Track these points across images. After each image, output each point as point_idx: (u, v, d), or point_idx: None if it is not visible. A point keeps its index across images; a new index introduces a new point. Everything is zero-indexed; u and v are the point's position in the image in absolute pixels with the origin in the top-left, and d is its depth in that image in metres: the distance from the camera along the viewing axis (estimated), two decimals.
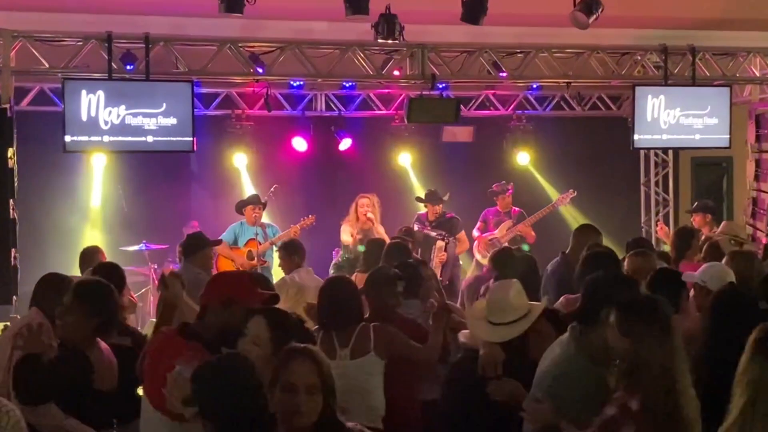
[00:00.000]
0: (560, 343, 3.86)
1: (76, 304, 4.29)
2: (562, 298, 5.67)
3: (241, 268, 9.54)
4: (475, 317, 4.46)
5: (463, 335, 4.77)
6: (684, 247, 7.52)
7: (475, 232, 10.66)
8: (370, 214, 9.72)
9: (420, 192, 11.09)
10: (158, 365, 3.84)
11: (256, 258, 9.48)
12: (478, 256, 10.50)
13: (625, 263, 5.89)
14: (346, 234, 9.83)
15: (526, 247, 10.05)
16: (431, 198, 10.10)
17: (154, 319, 8.08)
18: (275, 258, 8.91)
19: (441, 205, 10.06)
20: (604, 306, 3.63)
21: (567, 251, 6.88)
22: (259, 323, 3.75)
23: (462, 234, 9.97)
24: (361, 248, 8.96)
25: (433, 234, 9.46)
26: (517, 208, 10.70)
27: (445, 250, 8.90)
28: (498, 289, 4.48)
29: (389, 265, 5.92)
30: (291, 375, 3.02)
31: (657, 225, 11.36)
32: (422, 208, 10.27)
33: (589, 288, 3.90)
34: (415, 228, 9.73)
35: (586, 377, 3.63)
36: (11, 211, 8.14)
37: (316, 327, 5.07)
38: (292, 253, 7.68)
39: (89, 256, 7.30)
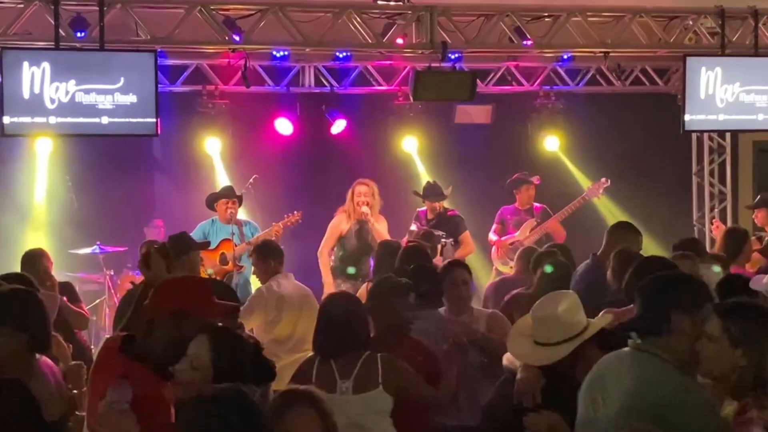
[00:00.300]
0: (623, 361, 3.80)
1: None
2: (605, 313, 5.71)
3: (213, 274, 9.56)
4: (519, 334, 4.48)
5: (506, 358, 4.81)
6: (735, 251, 7.55)
7: (492, 236, 10.66)
8: (365, 208, 9.72)
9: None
10: (96, 383, 3.84)
11: (230, 262, 9.49)
12: (498, 264, 10.51)
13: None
14: (342, 224, 9.86)
15: (549, 269, 10.06)
16: (429, 193, 10.12)
17: (110, 335, 8.15)
18: None
19: (441, 202, 10.07)
20: (673, 311, 3.70)
21: (598, 253, 6.95)
22: (200, 343, 3.66)
23: (465, 235, 9.94)
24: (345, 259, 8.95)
25: (436, 233, 9.49)
26: (539, 204, 10.69)
27: (441, 254, 8.89)
28: (546, 302, 4.46)
29: (401, 270, 5.99)
30: (288, 427, 2.91)
31: (712, 223, 11.37)
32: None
33: (651, 290, 3.89)
34: (413, 228, 9.76)
35: (698, 396, 3.64)
36: None
37: (312, 354, 5.10)
38: (267, 256, 7.69)
39: (32, 261, 7.31)
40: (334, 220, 9.96)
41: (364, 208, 9.68)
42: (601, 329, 4.34)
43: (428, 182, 10.36)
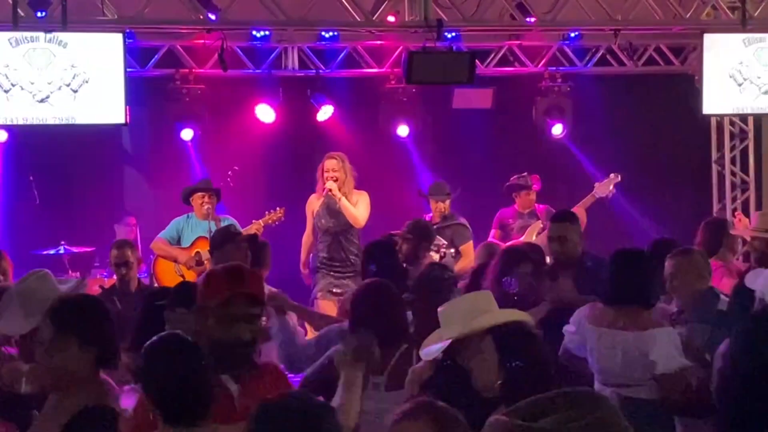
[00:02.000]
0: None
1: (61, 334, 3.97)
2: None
3: (183, 274, 9.53)
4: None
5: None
6: (715, 245, 7.56)
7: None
8: (330, 183, 9.55)
9: (425, 177, 11.09)
10: None
11: (206, 262, 9.44)
12: None
13: (666, 265, 6.08)
14: (313, 204, 9.80)
15: None
16: (434, 191, 10.03)
17: None
18: None
19: (447, 202, 9.98)
20: None
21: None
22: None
23: (468, 246, 9.72)
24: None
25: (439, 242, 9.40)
26: (542, 205, 10.63)
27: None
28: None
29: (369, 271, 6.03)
30: None
31: (735, 216, 11.35)
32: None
33: None
34: None
35: None
36: None
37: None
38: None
39: None
40: (308, 201, 9.91)
41: (329, 184, 9.54)
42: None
43: (435, 182, 10.28)
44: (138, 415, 3.89)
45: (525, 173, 10.69)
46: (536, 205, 10.62)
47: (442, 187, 10.08)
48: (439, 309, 4.34)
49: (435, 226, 9.71)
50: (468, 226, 9.98)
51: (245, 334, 3.99)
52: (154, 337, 3.74)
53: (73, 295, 4.43)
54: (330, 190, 9.55)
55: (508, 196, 10.73)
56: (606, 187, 10.58)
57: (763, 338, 3.28)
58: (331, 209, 9.69)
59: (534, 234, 10.26)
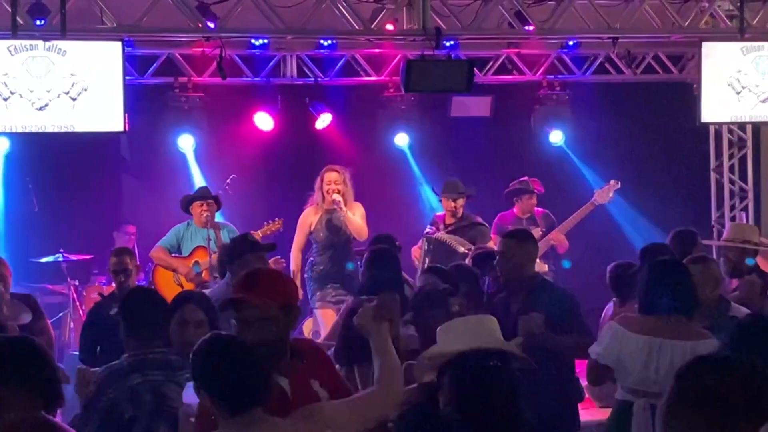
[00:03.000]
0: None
1: None
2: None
3: (183, 284, 9.54)
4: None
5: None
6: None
7: None
8: (337, 196, 9.56)
9: (424, 185, 11.11)
10: None
11: (204, 271, 9.46)
12: None
13: None
14: (309, 216, 9.74)
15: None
16: (447, 189, 9.92)
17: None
18: None
19: (461, 200, 9.86)
20: None
21: None
22: None
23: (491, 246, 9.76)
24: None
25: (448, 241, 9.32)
26: (540, 209, 10.64)
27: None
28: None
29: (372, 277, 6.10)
30: None
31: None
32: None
33: None
34: (428, 230, 9.70)
35: None
36: None
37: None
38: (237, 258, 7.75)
39: None
40: (303, 213, 9.86)
41: (335, 196, 9.53)
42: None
43: (449, 180, 10.12)
44: (200, 420, 4.05)
45: (525, 178, 10.71)
46: (536, 209, 10.63)
47: (455, 185, 9.96)
48: (439, 328, 4.30)
49: (451, 226, 9.72)
50: (486, 226, 9.93)
51: (267, 335, 4.03)
52: (200, 341, 3.83)
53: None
54: (338, 202, 9.51)
55: (507, 202, 10.74)
56: (606, 194, 10.59)
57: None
58: (333, 222, 9.67)
59: None
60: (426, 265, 8.76)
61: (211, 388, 3.71)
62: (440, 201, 10.04)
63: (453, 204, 9.86)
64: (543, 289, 6.53)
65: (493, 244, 10.10)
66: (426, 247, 9.50)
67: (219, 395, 3.69)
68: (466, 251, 8.95)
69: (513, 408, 3.68)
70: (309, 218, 9.80)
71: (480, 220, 9.94)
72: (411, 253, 9.72)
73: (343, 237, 9.63)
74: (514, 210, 10.64)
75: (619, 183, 10.70)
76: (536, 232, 10.23)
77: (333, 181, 9.64)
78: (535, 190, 10.59)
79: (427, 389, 4.09)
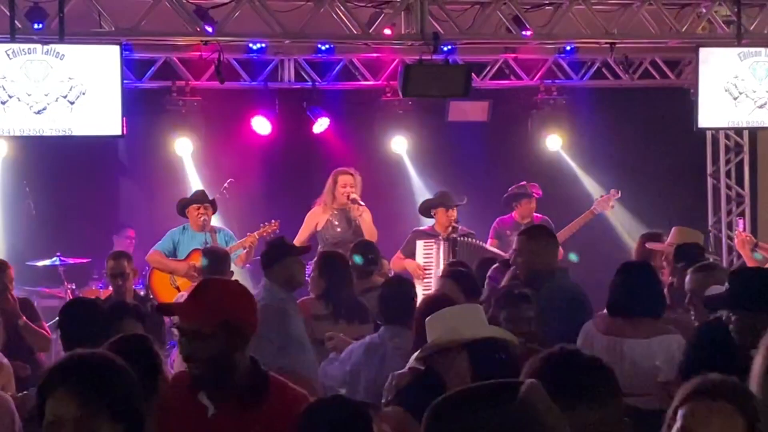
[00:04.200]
0: None
1: None
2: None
3: (179, 286, 9.55)
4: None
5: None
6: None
7: None
8: (354, 196, 9.77)
9: (421, 189, 11.09)
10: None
11: (199, 275, 9.45)
12: None
13: (687, 281, 6.03)
14: (317, 216, 9.86)
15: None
16: (447, 200, 9.87)
17: None
18: (236, 271, 8.94)
19: (453, 210, 9.83)
20: None
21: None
22: None
23: None
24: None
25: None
26: (539, 215, 10.63)
27: None
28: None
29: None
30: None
31: (735, 230, 11.39)
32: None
33: None
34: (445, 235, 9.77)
35: None
36: None
37: None
38: (219, 262, 7.76)
39: None
40: (309, 213, 9.97)
41: (353, 196, 9.75)
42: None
43: (441, 191, 10.15)
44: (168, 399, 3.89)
45: (524, 183, 10.71)
46: (535, 215, 10.62)
47: (450, 195, 9.98)
48: (427, 318, 4.36)
49: (451, 236, 9.71)
50: (473, 235, 9.97)
51: (197, 352, 3.73)
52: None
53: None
54: (357, 201, 9.73)
55: (506, 206, 10.69)
56: (605, 203, 10.58)
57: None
58: (346, 222, 9.78)
59: None
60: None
61: None
62: (433, 213, 9.93)
63: (451, 214, 9.84)
64: (551, 284, 6.53)
65: (492, 247, 10.18)
66: (446, 250, 9.59)
67: None
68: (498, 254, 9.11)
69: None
70: (317, 217, 9.91)
71: (467, 231, 9.93)
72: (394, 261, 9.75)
73: (352, 234, 9.68)
74: (513, 215, 10.62)
75: (619, 193, 10.70)
76: None
77: (348, 183, 9.84)
78: (534, 195, 10.59)
79: (418, 375, 4.13)
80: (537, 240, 6.75)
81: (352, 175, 9.90)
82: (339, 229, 9.81)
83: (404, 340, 5.82)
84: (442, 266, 9.33)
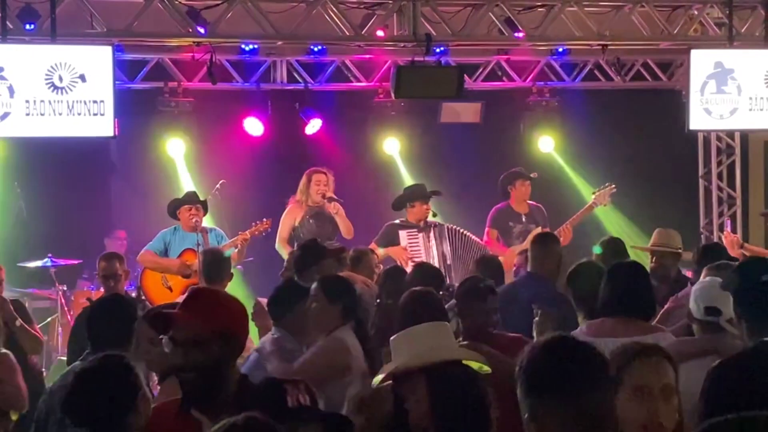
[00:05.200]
0: None
1: None
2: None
3: (171, 286, 9.53)
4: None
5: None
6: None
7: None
8: (330, 194, 9.84)
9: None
10: None
11: (192, 273, 9.45)
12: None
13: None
14: (294, 213, 9.92)
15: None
16: (421, 193, 9.94)
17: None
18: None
19: (427, 205, 9.89)
20: None
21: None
22: None
23: None
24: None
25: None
26: (533, 203, 10.59)
27: None
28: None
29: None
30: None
31: (724, 231, 11.40)
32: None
33: None
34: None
35: None
36: None
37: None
38: (219, 265, 7.78)
39: None
40: (286, 211, 10.00)
41: (329, 195, 9.81)
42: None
43: (414, 184, 10.26)
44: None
45: (519, 167, 10.69)
46: (529, 201, 10.49)
47: (424, 187, 10.06)
48: (392, 339, 4.19)
49: (436, 224, 9.82)
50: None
51: (191, 361, 3.74)
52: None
53: None
54: (334, 199, 9.78)
55: (502, 192, 10.52)
56: (604, 196, 10.60)
57: None
58: (322, 219, 9.81)
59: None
60: (446, 256, 9.49)
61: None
62: (409, 206, 9.93)
63: (427, 207, 9.89)
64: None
65: (487, 236, 10.20)
66: (436, 237, 9.77)
67: None
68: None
69: (484, 419, 3.61)
70: (294, 214, 9.97)
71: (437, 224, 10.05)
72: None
73: (329, 232, 9.70)
74: (510, 201, 10.50)
75: (615, 187, 10.69)
76: (536, 233, 10.20)
77: (322, 182, 9.88)
78: (530, 175, 10.51)
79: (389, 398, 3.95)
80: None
81: (325, 174, 9.97)
82: (316, 227, 9.84)
83: None
84: (433, 253, 9.58)
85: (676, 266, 7.89)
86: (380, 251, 9.62)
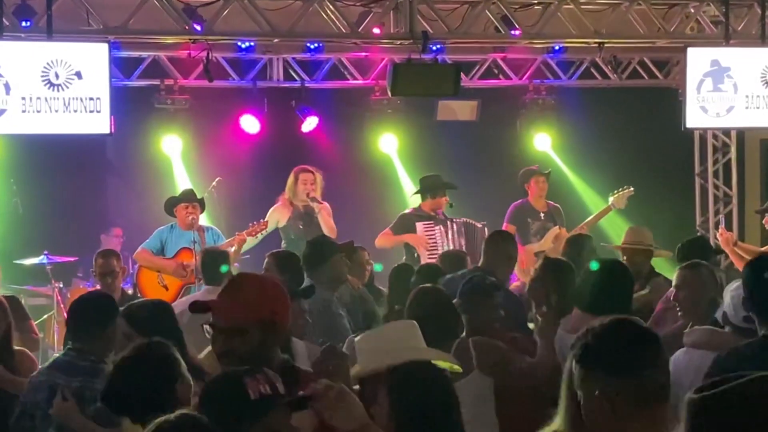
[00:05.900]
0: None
1: None
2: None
3: (167, 284, 9.52)
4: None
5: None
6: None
7: None
8: (313, 194, 9.84)
9: (410, 189, 11.09)
10: None
11: (188, 274, 9.45)
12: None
13: (675, 278, 6.00)
14: (279, 213, 9.93)
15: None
16: (441, 186, 10.02)
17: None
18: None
19: (446, 197, 9.97)
20: None
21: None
22: None
23: None
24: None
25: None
26: (551, 202, 10.63)
27: None
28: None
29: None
30: None
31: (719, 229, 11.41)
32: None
33: None
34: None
35: None
36: None
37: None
38: (219, 264, 7.79)
39: None
40: (272, 209, 10.01)
41: (313, 194, 9.82)
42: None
43: (432, 175, 10.28)
44: None
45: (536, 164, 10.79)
46: (548, 201, 10.61)
47: (441, 179, 10.15)
48: (356, 339, 3.98)
49: (456, 219, 9.90)
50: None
51: (234, 349, 3.73)
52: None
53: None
54: (316, 200, 9.76)
55: (521, 188, 10.65)
56: (622, 199, 10.59)
57: None
58: (308, 219, 9.83)
59: (551, 238, 10.20)
60: (462, 247, 9.46)
61: None
62: (430, 198, 10.01)
63: (445, 198, 9.98)
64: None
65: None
66: (454, 232, 9.86)
67: None
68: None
69: (453, 421, 3.51)
70: (279, 214, 9.98)
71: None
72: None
73: (314, 232, 9.69)
74: (529, 198, 10.56)
75: (632, 190, 10.66)
76: (555, 231, 10.26)
77: (309, 181, 9.91)
78: (543, 171, 10.61)
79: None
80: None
81: (313, 173, 9.97)
82: (301, 226, 9.86)
83: None
84: (450, 246, 9.59)
85: (648, 263, 7.85)
86: (394, 239, 9.83)
